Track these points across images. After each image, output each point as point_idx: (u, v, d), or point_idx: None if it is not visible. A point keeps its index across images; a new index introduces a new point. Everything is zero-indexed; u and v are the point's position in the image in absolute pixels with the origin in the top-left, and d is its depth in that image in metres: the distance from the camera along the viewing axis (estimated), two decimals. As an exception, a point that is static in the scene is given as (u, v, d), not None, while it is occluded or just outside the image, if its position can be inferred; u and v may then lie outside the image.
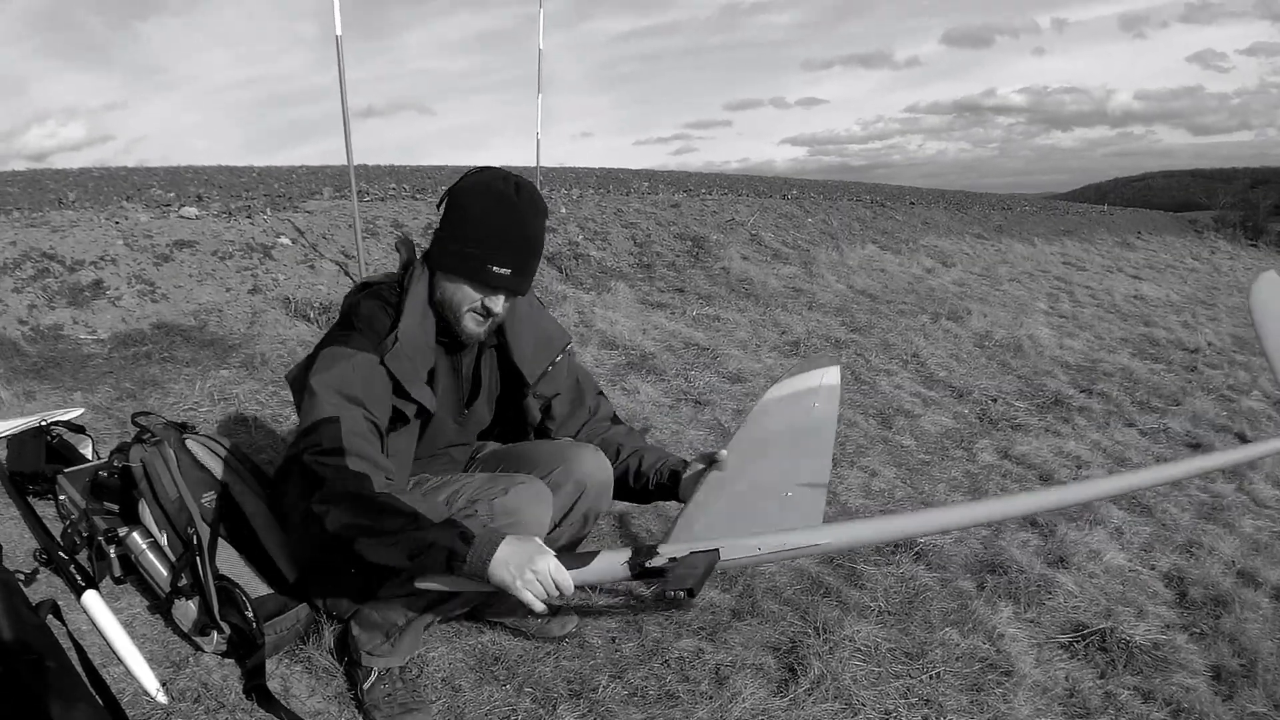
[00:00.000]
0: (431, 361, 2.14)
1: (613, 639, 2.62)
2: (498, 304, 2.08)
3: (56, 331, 4.48)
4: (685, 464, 2.37)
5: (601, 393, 2.55)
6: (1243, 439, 5.06)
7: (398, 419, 2.09)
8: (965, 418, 4.88)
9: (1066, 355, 6.51)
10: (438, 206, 2.11)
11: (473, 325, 2.12)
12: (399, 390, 2.05)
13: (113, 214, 5.79)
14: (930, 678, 2.64)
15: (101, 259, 5.10)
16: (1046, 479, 4.14)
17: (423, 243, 6.42)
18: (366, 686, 2.18)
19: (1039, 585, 3.17)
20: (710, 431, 4.25)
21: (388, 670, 2.20)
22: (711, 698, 2.38)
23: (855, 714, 2.41)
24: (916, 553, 3.29)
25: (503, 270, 2.03)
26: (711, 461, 2.30)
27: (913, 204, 13.68)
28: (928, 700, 2.51)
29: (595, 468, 2.27)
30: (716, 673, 2.50)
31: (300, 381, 2.05)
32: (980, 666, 2.70)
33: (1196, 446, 4.83)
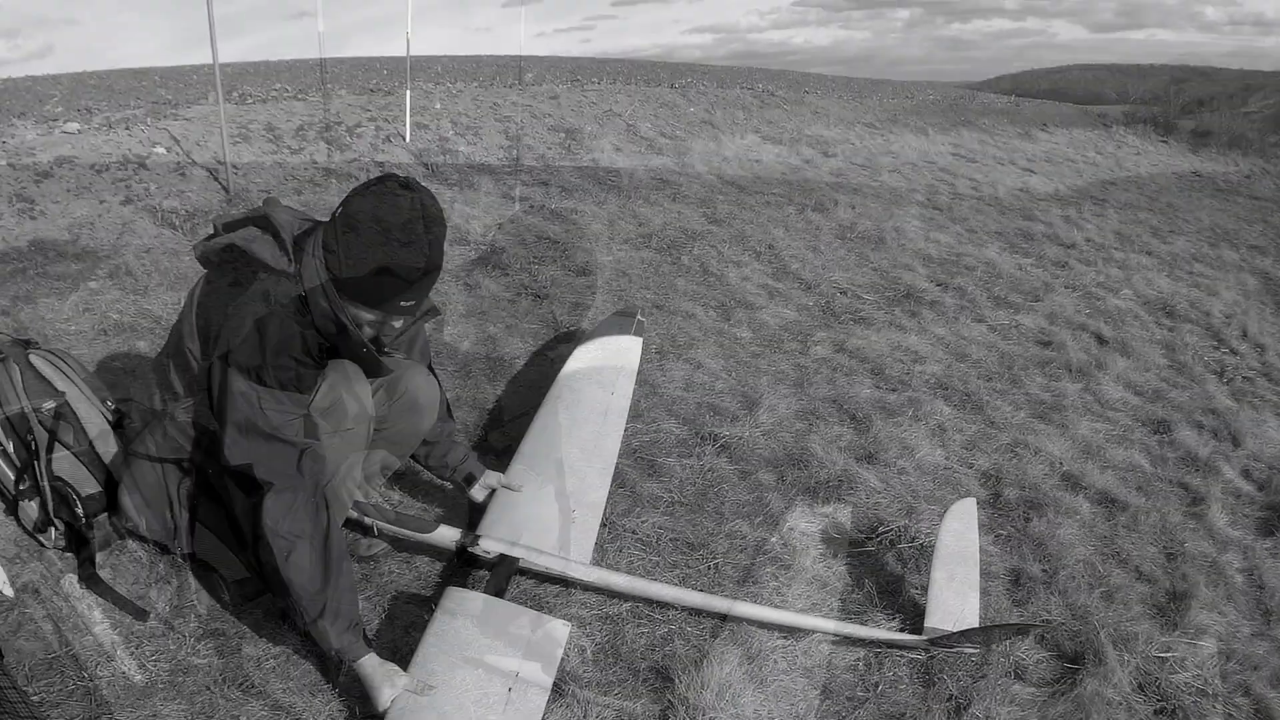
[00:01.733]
0: None
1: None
2: (398, 323, 2.15)
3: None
4: (480, 472, 2.63)
5: (430, 362, 2.60)
6: (1099, 339, 5.05)
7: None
8: (809, 310, 4.85)
9: (930, 248, 6.46)
10: (332, 218, 2.02)
11: (371, 331, 2.16)
12: None
13: (1, 132, 5.76)
14: (708, 568, 2.68)
15: (-15, 178, 4.98)
16: (877, 374, 4.13)
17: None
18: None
19: (841, 480, 3.18)
20: (544, 325, 4.17)
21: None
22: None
23: (624, 602, 2.44)
24: (721, 445, 3.27)
25: (408, 303, 2.07)
26: (504, 485, 2.62)
27: (807, 93, 13.48)
28: (703, 590, 2.52)
29: (424, 386, 2.44)
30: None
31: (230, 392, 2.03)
32: (761, 559, 2.73)
33: (1047, 344, 4.83)
